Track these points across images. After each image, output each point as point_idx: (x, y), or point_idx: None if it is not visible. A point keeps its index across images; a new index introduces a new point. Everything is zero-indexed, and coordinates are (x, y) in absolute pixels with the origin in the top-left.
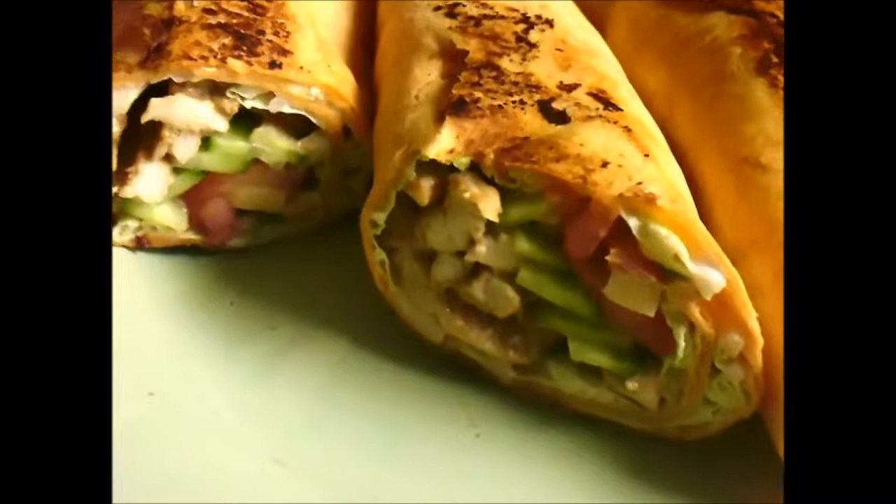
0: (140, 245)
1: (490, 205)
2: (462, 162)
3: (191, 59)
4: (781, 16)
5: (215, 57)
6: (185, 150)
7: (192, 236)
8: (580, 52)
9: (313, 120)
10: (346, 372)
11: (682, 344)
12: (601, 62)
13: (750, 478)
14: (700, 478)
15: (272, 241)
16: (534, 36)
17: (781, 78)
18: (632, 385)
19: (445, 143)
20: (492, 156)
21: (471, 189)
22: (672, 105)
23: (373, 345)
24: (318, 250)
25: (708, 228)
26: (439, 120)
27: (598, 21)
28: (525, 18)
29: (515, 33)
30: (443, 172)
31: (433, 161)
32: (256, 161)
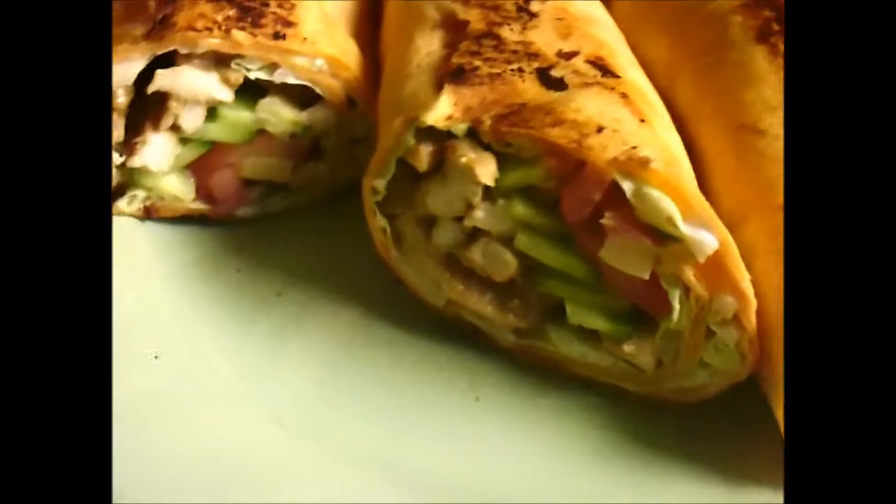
0: (148, 215)
1: (486, 170)
2: (459, 128)
3: (195, 30)
4: None
5: (219, 28)
6: (192, 120)
7: (199, 206)
8: (580, 20)
9: (317, 90)
10: (351, 338)
11: (676, 306)
12: (601, 30)
13: (748, 440)
14: (698, 440)
15: (279, 210)
16: (535, 6)
17: (781, 45)
18: (628, 348)
19: (443, 110)
20: (489, 122)
21: (468, 154)
22: (674, 74)
23: (378, 311)
24: (325, 220)
25: (707, 194)
26: (438, 88)
27: None
28: None
29: (516, 3)
30: (441, 139)
31: (431, 128)
32: (262, 131)
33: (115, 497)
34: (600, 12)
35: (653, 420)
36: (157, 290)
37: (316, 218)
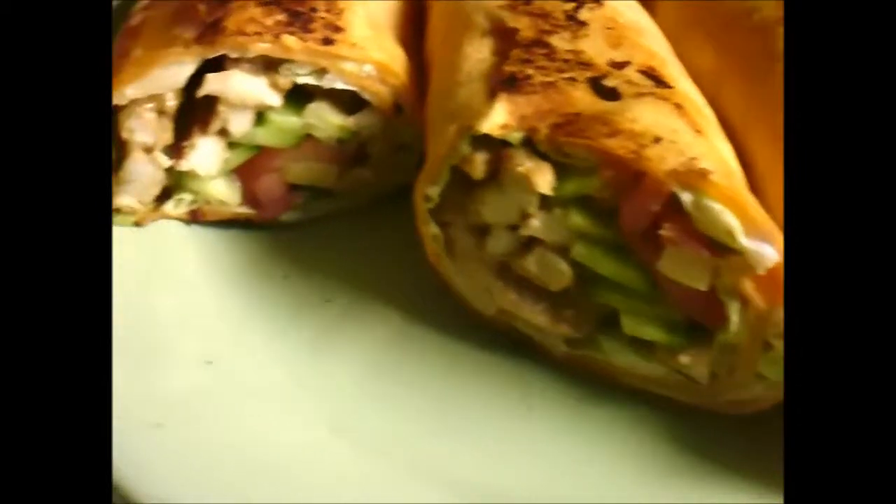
0: (194, 218)
1: (544, 179)
2: (515, 137)
3: (245, 34)
4: None
5: (269, 33)
6: (240, 124)
7: (245, 210)
8: (630, 30)
9: (365, 96)
10: (399, 344)
11: (734, 318)
12: (650, 40)
13: None
14: (752, 453)
15: (324, 215)
16: (583, 14)
17: None
18: (684, 359)
19: (498, 119)
20: (545, 131)
21: (524, 163)
22: (721, 84)
23: (426, 318)
24: (369, 225)
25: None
26: (491, 96)
27: (648, 1)
28: None
29: (565, 12)
30: (496, 147)
31: (486, 136)
32: (309, 136)
33: (159, 498)
34: (648, 22)
35: (707, 431)
36: (203, 293)
37: (359, 223)
